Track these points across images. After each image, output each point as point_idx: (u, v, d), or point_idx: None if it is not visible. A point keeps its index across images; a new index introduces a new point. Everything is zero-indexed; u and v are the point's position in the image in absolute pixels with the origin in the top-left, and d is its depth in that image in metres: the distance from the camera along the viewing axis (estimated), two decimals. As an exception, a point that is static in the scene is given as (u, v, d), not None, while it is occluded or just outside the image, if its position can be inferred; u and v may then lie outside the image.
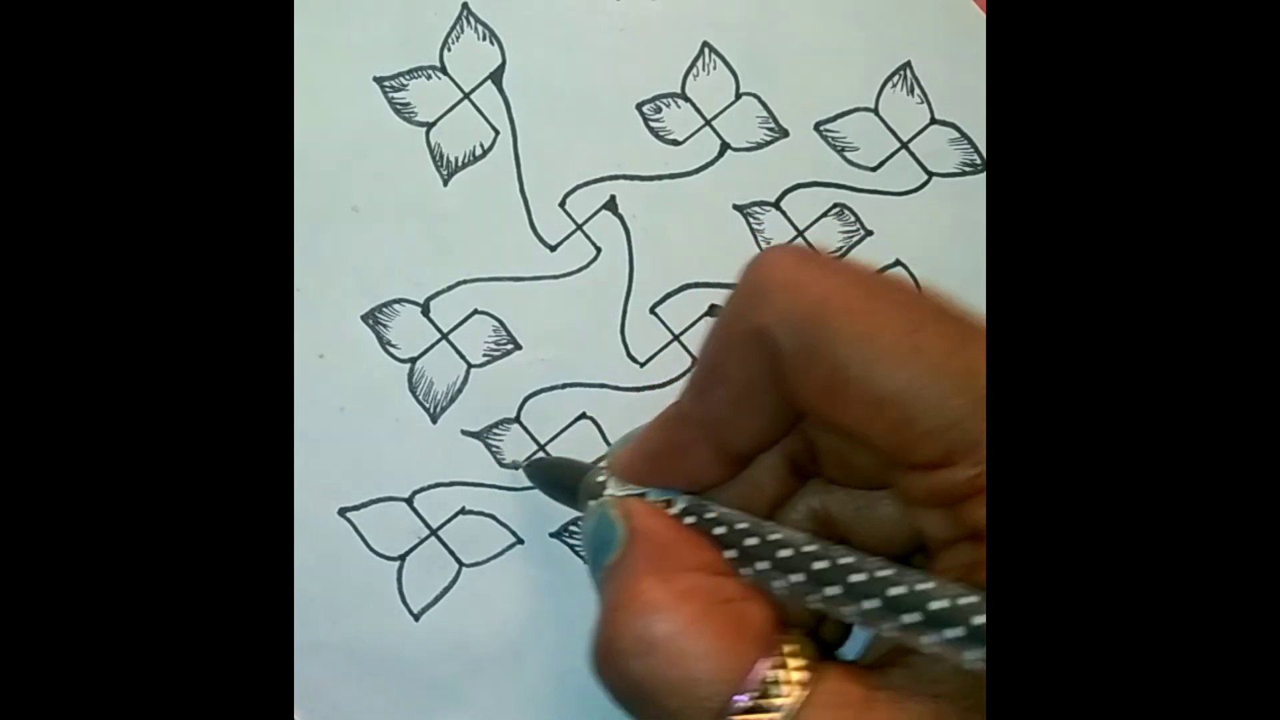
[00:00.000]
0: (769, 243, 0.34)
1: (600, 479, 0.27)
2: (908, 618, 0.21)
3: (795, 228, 0.34)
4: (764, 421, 0.24)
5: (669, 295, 0.34)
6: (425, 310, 0.34)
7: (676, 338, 0.34)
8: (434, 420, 0.34)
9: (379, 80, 0.33)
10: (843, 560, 0.22)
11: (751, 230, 0.34)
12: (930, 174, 0.34)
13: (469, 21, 0.33)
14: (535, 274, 0.34)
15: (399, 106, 0.33)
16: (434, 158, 0.33)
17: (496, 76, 0.33)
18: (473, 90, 0.33)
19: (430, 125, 0.33)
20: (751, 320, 0.23)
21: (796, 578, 0.23)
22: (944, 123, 0.34)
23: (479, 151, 0.33)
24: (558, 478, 0.30)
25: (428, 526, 0.34)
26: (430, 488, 0.34)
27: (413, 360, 0.34)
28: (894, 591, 0.21)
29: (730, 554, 0.24)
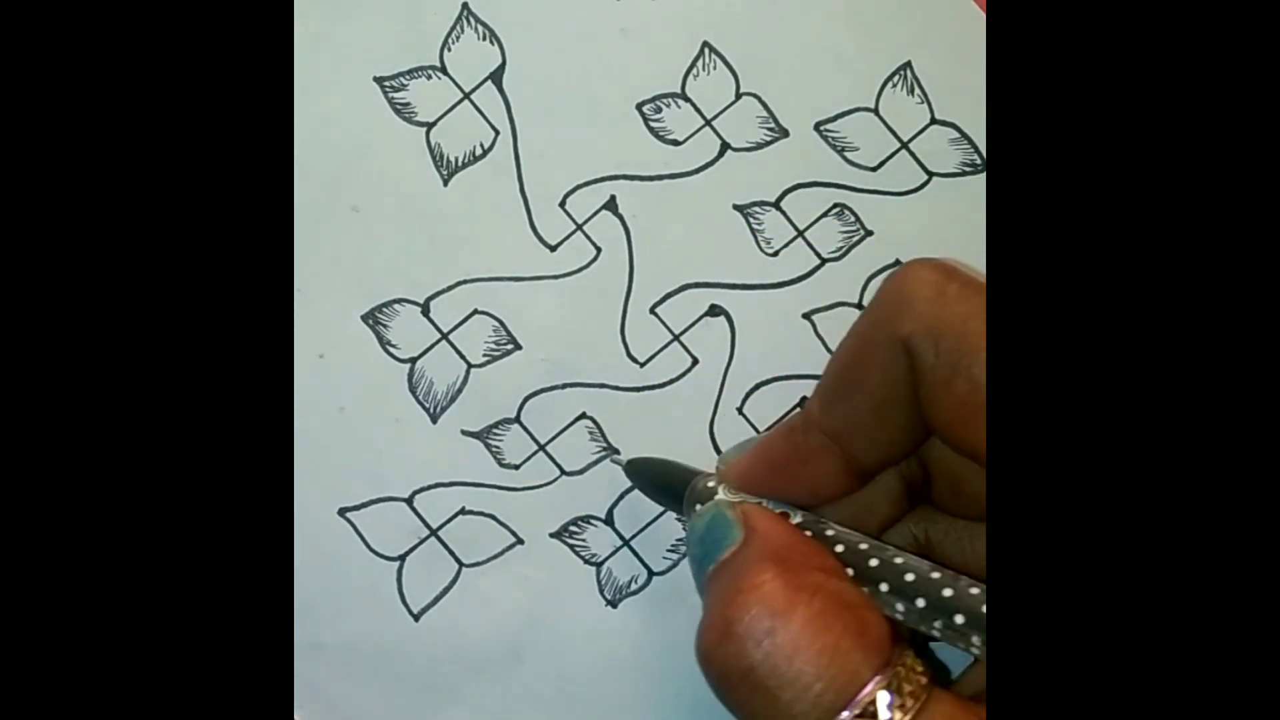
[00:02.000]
0: (769, 243, 0.34)
1: (711, 484, 0.27)
2: None
3: (795, 228, 0.34)
4: (895, 434, 0.24)
5: (669, 295, 0.34)
6: (425, 310, 0.34)
7: (676, 338, 0.34)
8: (434, 420, 0.34)
9: (379, 80, 0.33)
10: (973, 590, 0.22)
11: (751, 230, 0.34)
12: (930, 174, 0.34)
13: (469, 21, 0.33)
14: (535, 274, 0.34)
15: (399, 106, 0.33)
16: (434, 158, 0.33)
17: (496, 76, 0.33)
18: (473, 90, 0.33)
19: (430, 125, 0.33)
20: (894, 329, 0.23)
21: (920, 603, 0.22)
22: (944, 123, 0.34)
23: (479, 151, 0.33)
24: (663, 479, 0.30)
25: (428, 526, 0.34)
26: (430, 488, 0.34)
27: (413, 360, 0.34)
28: None
29: (849, 572, 0.24)
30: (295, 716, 0.33)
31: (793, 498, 0.26)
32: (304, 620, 0.33)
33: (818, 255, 0.34)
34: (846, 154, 0.34)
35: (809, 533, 0.25)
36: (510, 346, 0.34)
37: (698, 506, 0.27)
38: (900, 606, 0.23)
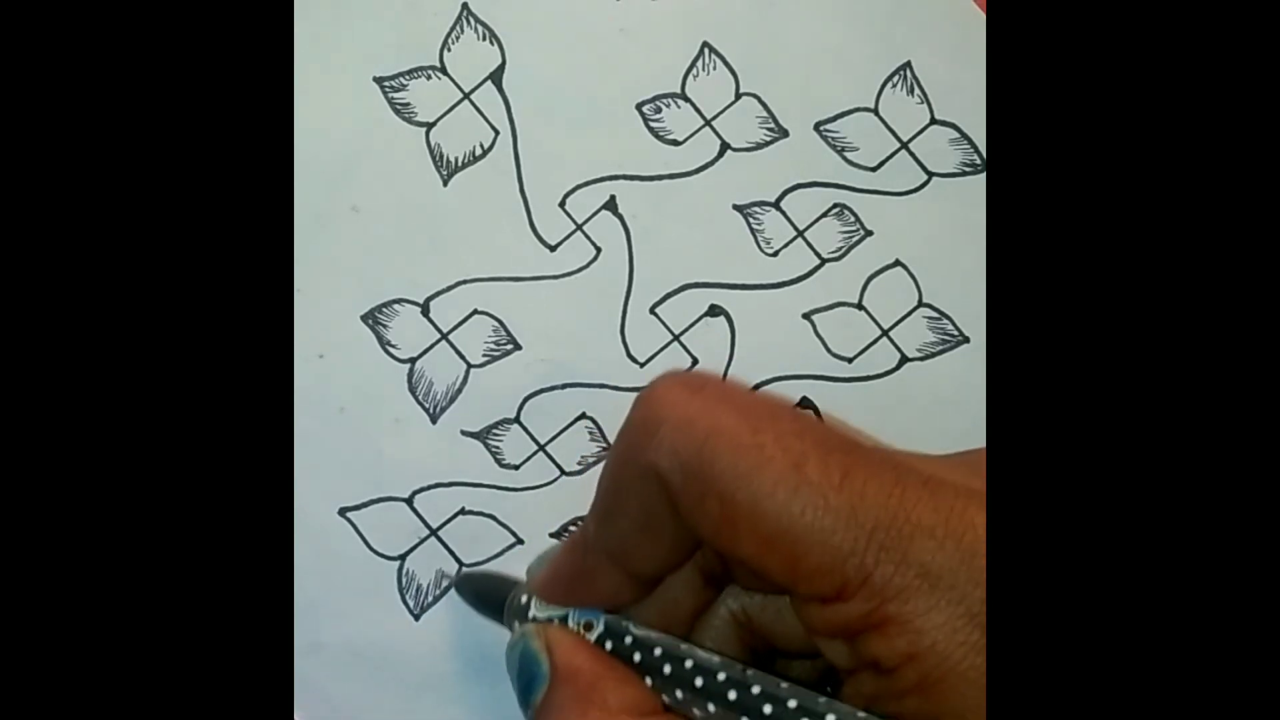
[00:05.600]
0: (769, 243, 0.34)
1: (524, 599, 0.28)
2: None
3: (795, 228, 0.34)
4: (667, 548, 0.25)
5: (669, 295, 0.34)
6: (425, 310, 0.34)
7: (676, 338, 0.34)
8: (434, 420, 0.34)
9: (379, 80, 0.33)
10: (755, 689, 0.23)
11: (751, 230, 0.34)
12: (930, 174, 0.34)
13: (469, 21, 0.33)
14: (535, 274, 0.34)
15: (399, 106, 0.33)
16: (434, 158, 0.33)
17: (496, 76, 0.33)
18: (473, 90, 0.33)
19: (430, 125, 0.33)
20: (643, 458, 0.24)
21: (713, 706, 0.23)
22: (944, 123, 0.34)
23: (479, 151, 0.34)
24: (486, 593, 0.30)
25: (428, 526, 0.34)
26: (430, 488, 0.34)
27: (413, 360, 0.34)
28: None
29: (650, 680, 0.25)
30: (295, 716, 0.33)
31: (590, 608, 0.27)
32: (304, 620, 0.33)
33: (817, 255, 0.34)
34: (846, 154, 0.34)
35: (612, 641, 0.26)
36: (510, 346, 0.34)
37: (516, 625, 0.28)
38: (699, 712, 0.24)
